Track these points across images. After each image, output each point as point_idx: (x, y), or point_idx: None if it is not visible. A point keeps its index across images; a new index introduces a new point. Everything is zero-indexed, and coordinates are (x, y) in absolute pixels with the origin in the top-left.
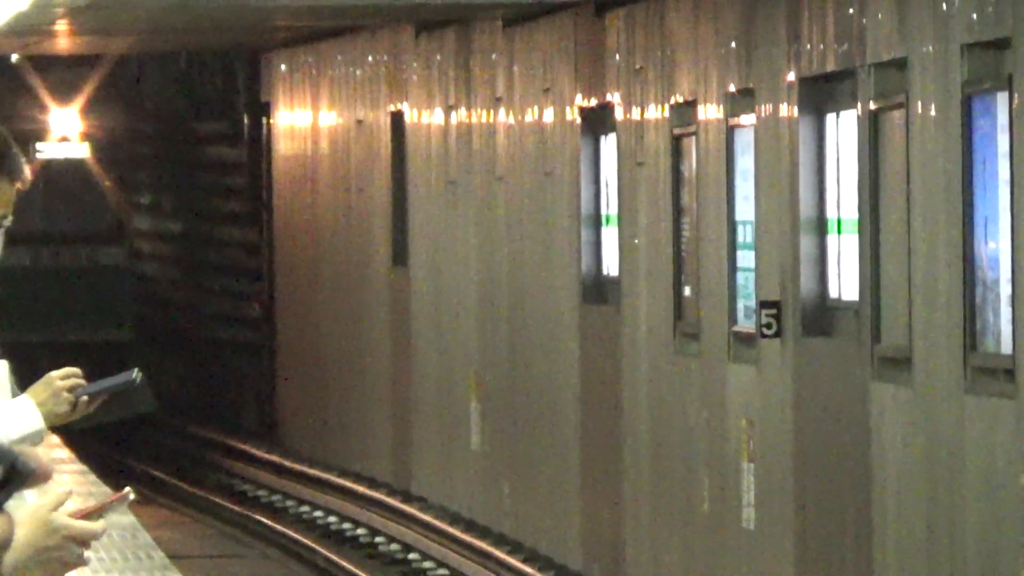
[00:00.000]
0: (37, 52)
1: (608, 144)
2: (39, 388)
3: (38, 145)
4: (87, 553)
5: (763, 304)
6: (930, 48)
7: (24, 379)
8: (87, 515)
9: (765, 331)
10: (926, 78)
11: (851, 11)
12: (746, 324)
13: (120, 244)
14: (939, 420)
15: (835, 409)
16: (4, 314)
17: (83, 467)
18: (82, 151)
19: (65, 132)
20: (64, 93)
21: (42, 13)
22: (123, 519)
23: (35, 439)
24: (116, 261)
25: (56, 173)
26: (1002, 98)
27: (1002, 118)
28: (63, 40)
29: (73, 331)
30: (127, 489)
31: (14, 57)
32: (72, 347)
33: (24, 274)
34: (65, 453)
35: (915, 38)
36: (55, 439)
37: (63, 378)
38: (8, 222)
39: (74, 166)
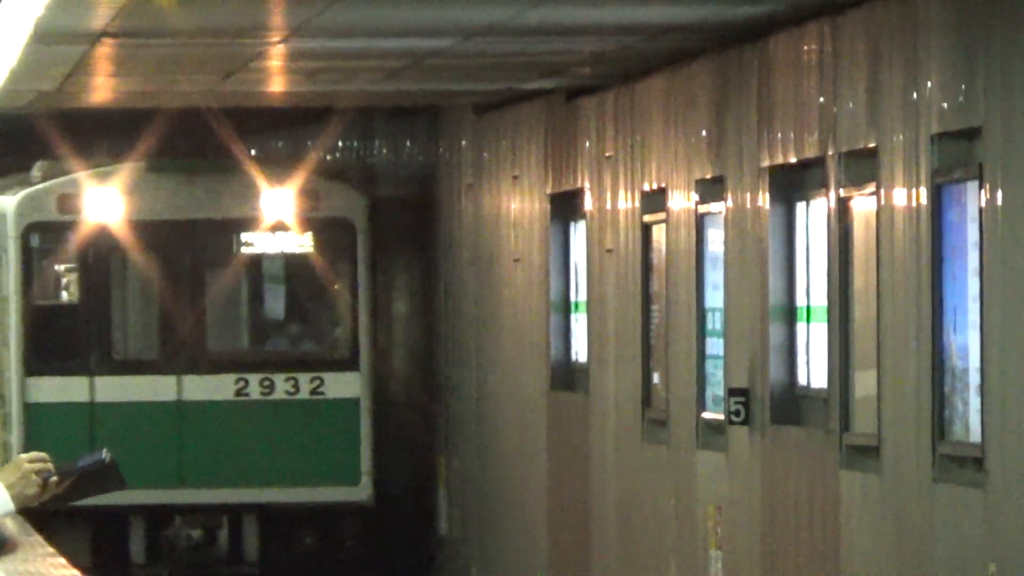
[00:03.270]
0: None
1: (578, 231)
2: (8, 470)
3: (243, 236)
4: None
5: (732, 391)
6: (900, 137)
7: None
8: None
9: (734, 418)
10: (896, 167)
11: (822, 99)
12: (715, 411)
13: (355, 370)
14: (908, 509)
15: (803, 497)
16: (192, 464)
17: (62, 561)
18: (303, 243)
19: (281, 218)
20: (280, 168)
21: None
22: None
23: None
24: (350, 393)
25: (267, 274)
26: (972, 188)
27: (972, 208)
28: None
29: (289, 488)
30: None
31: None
32: (287, 511)
33: (224, 411)
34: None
35: (885, 127)
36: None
37: (31, 461)
38: None
39: (293, 264)
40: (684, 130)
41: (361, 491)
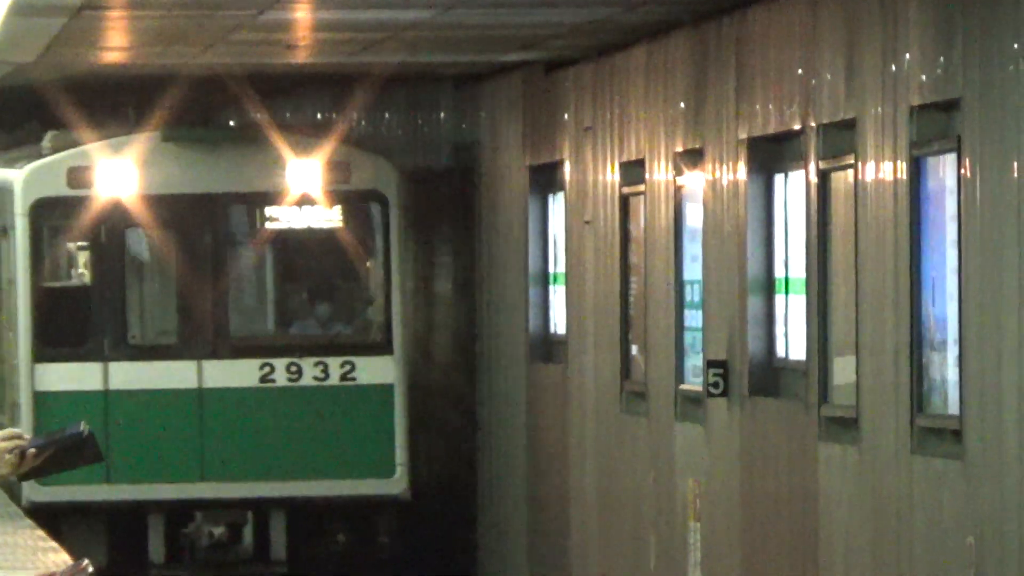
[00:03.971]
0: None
1: (557, 202)
2: None
3: (268, 211)
4: None
5: (710, 363)
6: (879, 109)
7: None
8: None
9: (712, 390)
10: (875, 139)
11: (800, 71)
12: (693, 383)
13: (388, 354)
14: (886, 481)
15: (782, 469)
16: (214, 457)
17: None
18: (332, 218)
19: (308, 191)
20: (307, 137)
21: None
22: None
23: None
24: (383, 379)
25: (293, 252)
26: (950, 160)
27: (950, 180)
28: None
29: (318, 481)
30: (85, 561)
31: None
32: (316, 506)
33: (248, 399)
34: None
35: (864, 99)
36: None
37: (5, 439)
38: None
39: (322, 241)
40: (663, 102)
41: (396, 484)
